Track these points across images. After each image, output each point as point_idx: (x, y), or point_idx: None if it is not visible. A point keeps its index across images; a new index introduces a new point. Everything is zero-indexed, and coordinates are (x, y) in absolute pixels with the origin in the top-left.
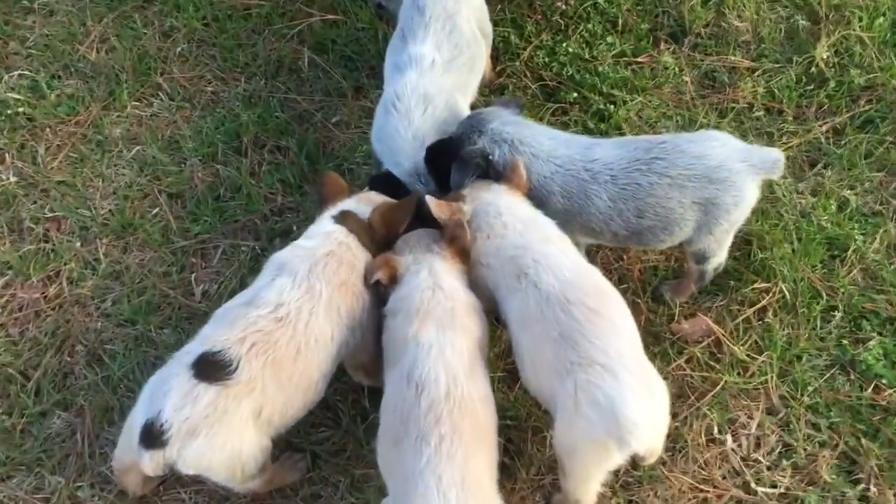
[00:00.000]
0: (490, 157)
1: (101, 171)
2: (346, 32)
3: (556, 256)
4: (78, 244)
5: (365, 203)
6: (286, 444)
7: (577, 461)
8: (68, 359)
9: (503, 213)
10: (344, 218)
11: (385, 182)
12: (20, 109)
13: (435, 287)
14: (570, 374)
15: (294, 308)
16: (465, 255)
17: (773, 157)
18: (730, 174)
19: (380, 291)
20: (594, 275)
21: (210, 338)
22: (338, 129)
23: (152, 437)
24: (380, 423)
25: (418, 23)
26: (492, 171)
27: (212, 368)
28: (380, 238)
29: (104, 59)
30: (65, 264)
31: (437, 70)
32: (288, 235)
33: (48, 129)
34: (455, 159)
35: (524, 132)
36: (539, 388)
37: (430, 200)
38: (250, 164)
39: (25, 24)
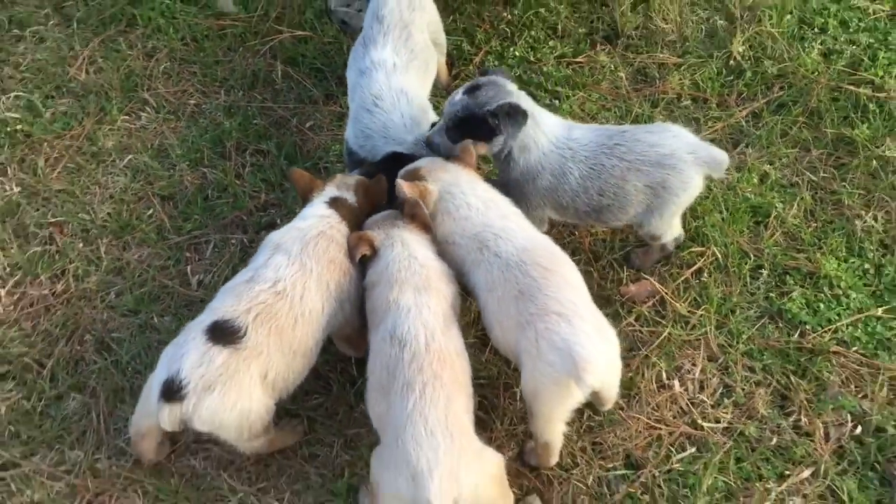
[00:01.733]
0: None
1: (97, 178)
2: (314, 47)
3: (513, 230)
4: (80, 245)
5: (345, 188)
6: (284, 412)
7: (542, 402)
8: (78, 347)
9: (466, 193)
10: (336, 203)
11: (395, 160)
12: (18, 127)
13: (410, 257)
14: (531, 325)
15: (290, 283)
16: (426, 227)
17: (720, 158)
18: (678, 162)
19: (363, 267)
20: (546, 242)
21: (220, 309)
22: (312, 133)
23: (171, 391)
24: (367, 381)
25: (378, 31)
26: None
27: (224, 333)
28: (365, 214)
29: (93, 79)
30: (69, 263)
31: (399, 71)
32: (272, 228)
33: (45, 144)
34: (499, 114)
35: (537, 109)
36: (506, 344)
37: (401, 183)
38: (234, 166)
39: (17, 51)
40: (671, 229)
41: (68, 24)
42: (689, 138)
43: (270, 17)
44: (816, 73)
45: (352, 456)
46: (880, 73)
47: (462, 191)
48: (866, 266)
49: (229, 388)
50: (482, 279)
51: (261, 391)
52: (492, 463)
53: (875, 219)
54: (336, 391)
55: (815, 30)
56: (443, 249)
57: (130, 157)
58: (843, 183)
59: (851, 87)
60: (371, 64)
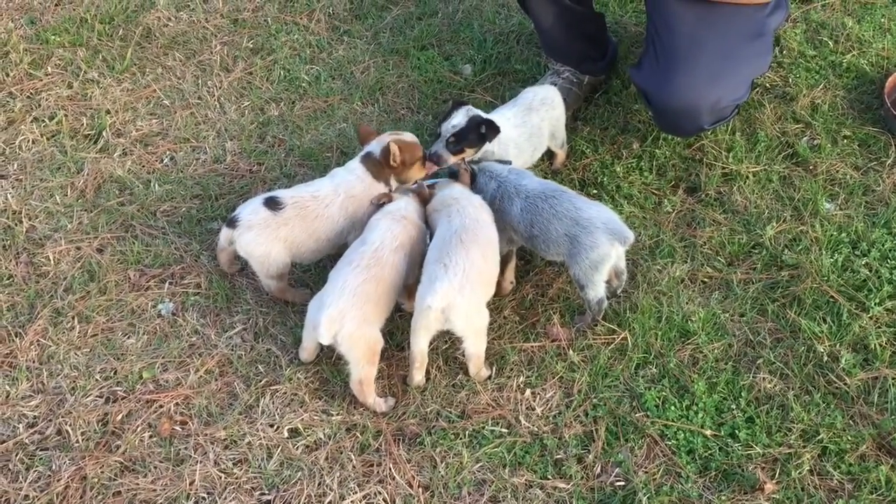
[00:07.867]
0: (476, 172)
1: (318, 127)
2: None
3: (470, 211)
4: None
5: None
6: (303, 283)
7: (414, 316)
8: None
9: (452, 189)
10: (366, 158)
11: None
12: (304, 84)
13: (402, 207)
14: (429, 265)
15: (323, 196)
16: (424, 200)
17: (627, 234)
18: (590, 225)
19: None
20: (486, 229)
21: (280, 192)
22: None
23: (232, 221)
24: None
25: (515, 101)
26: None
27: (272, 203)
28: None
29: (359, 77)
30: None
31: (507, 125)
32: None
33: (307, 98)
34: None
35: (498, 168)
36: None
37: (421, 184)
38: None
39: (335, 48)
40: (592, 286)
41: (371, 43)
42: (609, 214)
43: (483, 84)
44: (826, 278)
45: None
46: (875, 301)
47: (450, 187)
48: (731, 406)
49: (261, 234)
50: (436, 232)
51: (281, 247)
52: (370, 335)
53: (773, 385)
54: None
55: (857, 252)
56: (431, 218)
57: (345, 125)
58: (772, 353)
59: (839, 297)
60: (497, 113)
